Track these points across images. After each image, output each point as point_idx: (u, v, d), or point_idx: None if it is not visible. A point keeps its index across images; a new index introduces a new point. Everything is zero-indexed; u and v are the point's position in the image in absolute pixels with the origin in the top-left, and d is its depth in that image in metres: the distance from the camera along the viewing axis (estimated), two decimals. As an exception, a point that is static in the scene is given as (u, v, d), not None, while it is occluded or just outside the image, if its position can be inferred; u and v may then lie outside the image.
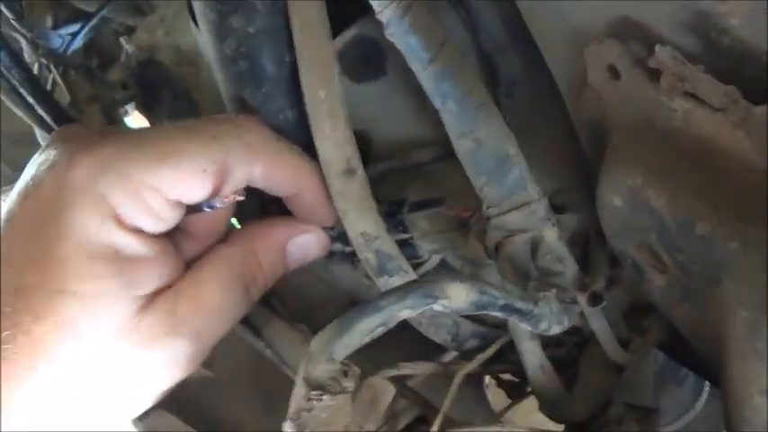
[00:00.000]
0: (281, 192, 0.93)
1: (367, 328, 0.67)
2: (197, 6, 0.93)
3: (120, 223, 0.81)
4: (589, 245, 1.01)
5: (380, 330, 0.67)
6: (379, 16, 0.82)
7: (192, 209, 0.86)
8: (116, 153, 0.81)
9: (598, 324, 0.96)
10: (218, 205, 0.86)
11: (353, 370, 0.68)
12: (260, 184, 0.90)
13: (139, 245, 0.82)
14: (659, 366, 1.27)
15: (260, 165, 0.88)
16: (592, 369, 1.03)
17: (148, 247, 0.83)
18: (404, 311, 0.68)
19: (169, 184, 0.82)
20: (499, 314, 0.76)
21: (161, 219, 0.84)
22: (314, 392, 0.66)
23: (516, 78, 1.00)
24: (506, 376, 1.13)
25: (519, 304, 0.77)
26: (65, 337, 0.79)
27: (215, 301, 0.88)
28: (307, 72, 0.89)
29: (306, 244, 0.96)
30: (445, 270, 1.02)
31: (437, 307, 0.69)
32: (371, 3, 0.82)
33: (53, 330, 0.78)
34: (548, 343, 1.00)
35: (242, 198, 0.87)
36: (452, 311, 0.71)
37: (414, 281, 0.70)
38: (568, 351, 1.08)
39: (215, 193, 0.86)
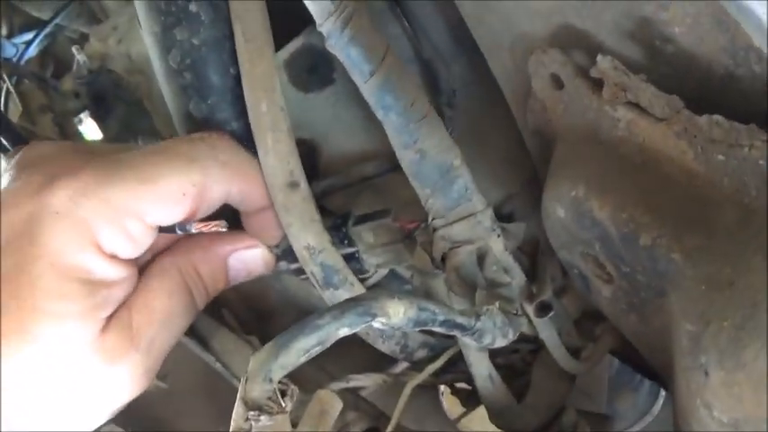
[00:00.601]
0: (250, 207, 0.92)
1: (304, 348, 0.66)
2: (141, 18, 0.93)
3: (99, 248, 0.81)
4: (538, 252, 1.01)
5: (318, 349, 0.67)
6: (319, 28, 0.82)
7: (165, 229, 0.86)
8: (97, 178, 0.81)
9: (547, 333, 0.96)
10: (193, 231, 0.85)
11: (292, 389, 0.67)
12: (235, 200, 0.90)
13: (113, 269, 0.82)
14: (614, 372, 1.27)
15: (236, 183, 0.88)
16: (544, 377, 1.03)
17: (120, 271, 0.83)
18: (342, 330, 0.67)
19: (150, 209, 0.82)
20: (440, 330, 0.75)
21: (138, 243, 0.84)
22: (251, 413, 0.65)
23: (458, 87, 0.99)
24: (461, 384, 1.13)
25: (460, 320, 0.77)
26: (31, 355, 0.79)
27: (163, 308, 0.88)
28: (249, 84, 0.88)
29: (249, 259, 0.96)
30: (395, 280, 1.02)
31: (376, 324, 0.69)
32: (313, 15, 0.82)
33: (18, 348, 0.78)
34: (502, 350, 0.99)
35: (224, 230, 0.87)
36: (391, 329, 0.70)
37: (351, 299, 0.69)
38: (522, 357, 1.08)
39: (192, 213, 0.85)
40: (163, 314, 0.87)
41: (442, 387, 1.24)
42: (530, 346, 1.05)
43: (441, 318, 0.74)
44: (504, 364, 1.06)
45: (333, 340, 0.67)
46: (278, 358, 0.66)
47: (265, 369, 0.66)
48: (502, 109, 0.95)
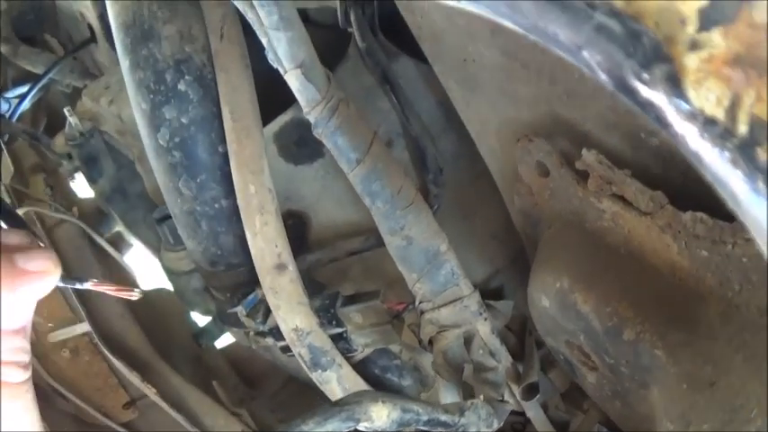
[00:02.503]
0: None
1: (288, 454, 0.66)
2: (130, 95, 0.93)
3: None
4: (526, 328, 1.01)
5: (302, 455, 0.67)
6: (307, 116, 0.82)
7: None
8: None
9: (534, 413, 0.96)
10: None
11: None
12: None
13: None
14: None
15: None
16: (533, 451, 1.03)
17: None
18: (326, 435, 0.67)
19: None
20: (424, 429, 0.76)
21: None
22: None
23: (447, 162, 1.00)
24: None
25: (444, 417, 0.77)
26: None
27: None
28: (237, 165, 0.88)
29: None
30: (384, 354, 1.01)
31: (360, 428, 0.69)
32: (300, 103, 0.82)
33: None
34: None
35: None
36: (375, 432, 0.70)
37: (335, 403, 0.69)
38: (512, 425, 1.08)
39: None
40: None
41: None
42: (519, 418, 1.05)
43: (424, 417, 0.74)
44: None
45: (317, 445, 0.68)
46: (263, 465, 0.66)
47: (251, 475, 0.66)
48: (490, 184, 0.95)
